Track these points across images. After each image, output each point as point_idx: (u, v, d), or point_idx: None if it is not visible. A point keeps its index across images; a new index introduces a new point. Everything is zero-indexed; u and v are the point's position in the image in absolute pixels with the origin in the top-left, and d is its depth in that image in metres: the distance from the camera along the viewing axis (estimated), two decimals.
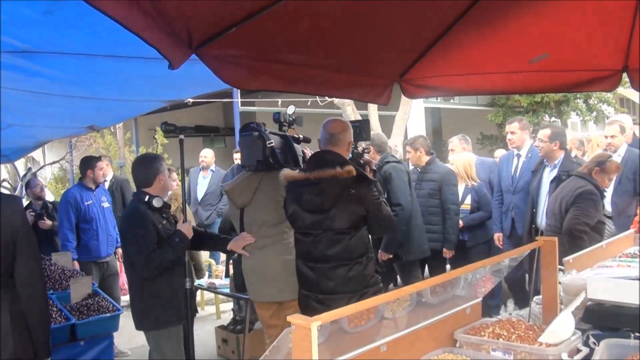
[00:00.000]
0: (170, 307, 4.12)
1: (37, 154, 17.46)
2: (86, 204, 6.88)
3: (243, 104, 14.33)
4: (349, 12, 3.24)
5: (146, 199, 4.15)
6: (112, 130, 15.74)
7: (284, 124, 4.48)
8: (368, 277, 4.04)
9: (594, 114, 19.97)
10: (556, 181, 5.74)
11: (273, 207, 4.34)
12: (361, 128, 4.66)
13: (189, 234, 4.19)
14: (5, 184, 12.36)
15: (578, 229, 4.93)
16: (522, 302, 3.63)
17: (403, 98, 5.08)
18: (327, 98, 10.60)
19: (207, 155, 9.78)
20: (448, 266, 6.73)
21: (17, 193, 11.22)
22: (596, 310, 2.83)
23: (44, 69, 3.70)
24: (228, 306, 8.18)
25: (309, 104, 12.90)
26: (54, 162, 15.12)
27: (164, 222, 4.21)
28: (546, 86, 5.31)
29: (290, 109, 4.52)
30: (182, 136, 4.23)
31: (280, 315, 4.42)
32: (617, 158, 5.97)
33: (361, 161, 4.51)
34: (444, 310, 2.72)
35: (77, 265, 6.61)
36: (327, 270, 3.99)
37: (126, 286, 8.08)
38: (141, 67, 3.81)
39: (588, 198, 5.04)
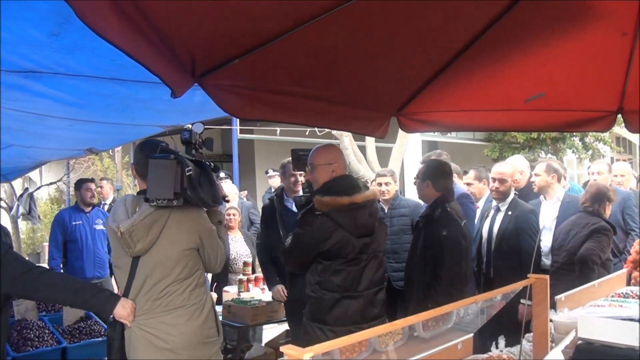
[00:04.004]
0: None
1: (34, 175, 17.41)
2: (74, 224, 7.06)
3: (241, 131, 14.38)
4: (350, 46, 3.29)
5: None
6: (111, 154, 15.77)
7: (195, 146, 3.62)
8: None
9: (590, 152, 20.08)
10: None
11: (180, 257, 3.46)
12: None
13: None
14: (2, 203, 12.35)
15: (593, 259, 4.89)
16: (514, 339, 3.63)
17: (401, 131, 5.08)
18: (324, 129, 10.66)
19: None
20: None
21: (12, 212, 11.20)
22: (586, 350, 2.83)
23: (47, 90, 3.73)
24: None
25: (307, 133, 12.96)
26: (51, 183, 15.08)
27: None
28: (541, 125, 5.38)
29: (198, 128, 3.68)
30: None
31: None
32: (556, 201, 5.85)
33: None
34: (435, 345, 2.73)
35: None
36: (372, 296, 3.83)
37: None
38: (144, 91, 3.86)
39: (604, 234, 5.03)
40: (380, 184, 6.15)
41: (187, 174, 3.29)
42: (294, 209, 4.86)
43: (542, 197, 5.97)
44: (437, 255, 4.33)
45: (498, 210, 5.43)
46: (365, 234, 3.79)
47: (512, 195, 5.44)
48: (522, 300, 4.29)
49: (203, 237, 3.53)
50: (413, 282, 4.52)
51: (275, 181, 11.32)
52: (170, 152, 3.37)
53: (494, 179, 5.43)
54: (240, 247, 6.91)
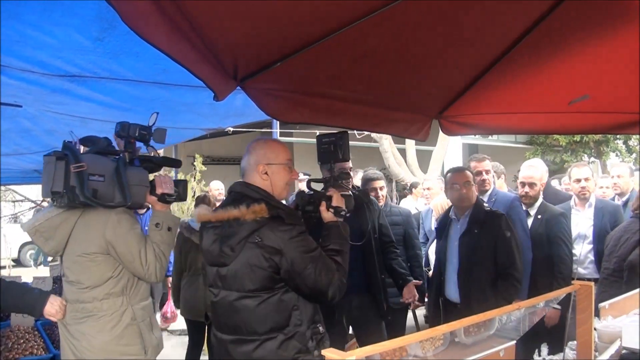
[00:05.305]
0: None
1: None
2: None
3: (281, 134, 14.45)
4: (391, 49, 3.28)
5: None
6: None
7: (131, 140, 3.32)
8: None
9: (634, 155, 19.71)
10: (468, 235, 4.60)
11: (84, 261, 3.21)
12: (336, 144, 3.39)
13: None
14: (44, 203, 12.60)
15: None
16: (557, 347, 3.58)
17: (441, 133, 5.03)
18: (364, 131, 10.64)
19: (220, 187, 9.80)
20: None
21: None
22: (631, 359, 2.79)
23: (91, 93, 3.81)
24: None
25: None
26: None
27: None
28: (585, 127, 5.29)
29: (151, 119, 3.40)
30: None
31: None
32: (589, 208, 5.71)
33: (327, 192, 3.28)
34: (477, 352, 2.70)
35: None
36: (229, 344, 2.98)
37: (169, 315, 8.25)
38: (186, 95, 3.91)
39: None
40: (375, 189, 5.50)
41: (75, 170, 2.97)
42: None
43: (573, 202, 5.86)
44: (504, 254, 4.42)
45: (527, 214, 5.31)
46: (214, 263, 3.04)
47: (540, 199, 5.34)
48: (550, 304, 4.20)
49: (113, 242, 3.20)
50: (473, 288, 4.45)
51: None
52: (66, 149, 3.10)
53: (524, 184, 5.33)
54: None
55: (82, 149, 3.29)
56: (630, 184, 6.44)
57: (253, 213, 2.81)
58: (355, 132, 11.69)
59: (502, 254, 4.44)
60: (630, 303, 3.72)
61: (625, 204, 6.15)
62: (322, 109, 3.81)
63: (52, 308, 3.21)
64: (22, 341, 4.53)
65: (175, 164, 3.76)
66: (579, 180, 5.72)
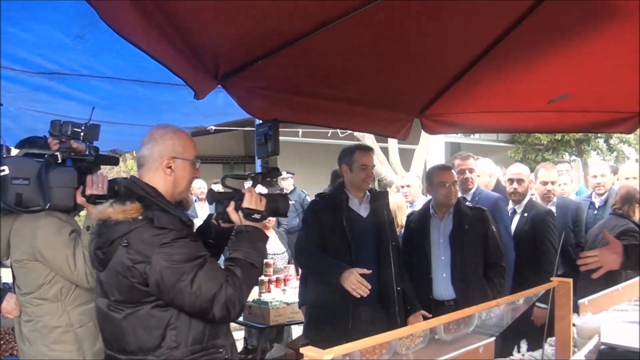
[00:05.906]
0: None
1: None
2: None
3: None
4: (373, 47, 3.29)
5: None
6: (135, 155, 15.84)
7: (63, 138, 3.13)
8: None
9: (615, 154, 19.86)
10: (459, 232, 4.46)
11: (17, 267, 3.21)
12: (267, 135, 2.98)
13: None
14: None
15: None
16: (536, 343, 3.60)
17: (423, 132, 5.01)
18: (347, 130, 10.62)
19: (202, 186, 9.83)
20: None
21: None
22: (609, 355, 2.80)
23: (72, 91, 3.79)
24: (239, 334, 8.12)
25: (329, 135, 12.96)
26: None
27: None
28: (565, 126, 5.32)
29: (90, 115, 3.24)
30: None
31: None
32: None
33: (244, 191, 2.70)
34: (457, 349, 2.71)
35: None
36: (108, 359, 2.61)
37: None
38: (167, 93, 3.89)
39: (632, 235, 4.82)
40: None
41: None
42: (361, 211, 4.26)
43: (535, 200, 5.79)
44: (494, 247, 4.46)
45: (514, 212, 5.30)
46: (92, 265, 2.68)
47: (528, 197, 5.33)
48: (537, 304, 4.19)
49: (39, 247, 3.10)
50: (471, 284, 4.38)
51: (288, 183, 10.97)
52: None
53: (512, 180, 5.30)
54: (275, 247, 6.69)
55: (13, 151, 3.18)
56: (612, 181, 6.46)
57: (122, 213, 2.41)
58: (338, 130, 11.69)
59: (492, 247, 4.46)
60: (609, 299, 3.76)
61: (605, 202, 6.19)
62: (303, 107, 3.80)
63: (8, 305, 3.27)
64: (2, 342, 4.49)
65: (112, 161, 3.63)
66: (545, 183, 5.70)
